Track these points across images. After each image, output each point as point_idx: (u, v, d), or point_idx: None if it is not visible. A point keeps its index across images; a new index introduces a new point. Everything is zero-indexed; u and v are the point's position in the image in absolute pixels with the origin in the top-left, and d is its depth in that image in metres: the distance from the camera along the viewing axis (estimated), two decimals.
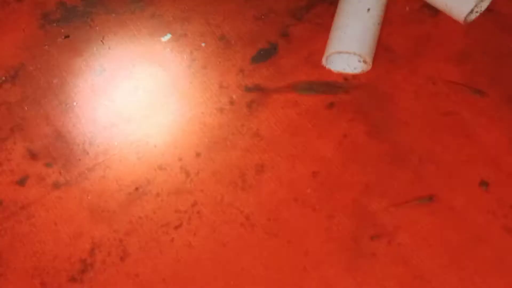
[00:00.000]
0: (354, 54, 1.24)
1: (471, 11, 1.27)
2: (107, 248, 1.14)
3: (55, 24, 1.38)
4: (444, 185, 1.16)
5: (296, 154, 1.22)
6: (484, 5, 1.30)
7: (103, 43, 1.35)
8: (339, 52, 1.25)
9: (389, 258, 1.10)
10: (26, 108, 1.28)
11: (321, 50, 1.29)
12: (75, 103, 1.29)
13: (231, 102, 1.28)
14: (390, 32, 1.30)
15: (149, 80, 1.31)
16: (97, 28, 1.38)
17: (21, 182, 1.20)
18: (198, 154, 1.23)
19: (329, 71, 1.28)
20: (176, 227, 1.16)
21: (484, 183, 1.14)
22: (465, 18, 1.27)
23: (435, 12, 1.31)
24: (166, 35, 1.36)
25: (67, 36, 1.36)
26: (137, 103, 1.29)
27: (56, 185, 1.20)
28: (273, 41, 1.33)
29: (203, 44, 1.35)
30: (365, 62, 1.25)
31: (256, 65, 1.31)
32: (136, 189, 1.20)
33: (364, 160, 1.20)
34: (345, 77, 1.27)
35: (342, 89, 1.27)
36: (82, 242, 1.15)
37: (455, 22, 1.29)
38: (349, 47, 1.24)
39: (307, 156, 1.21)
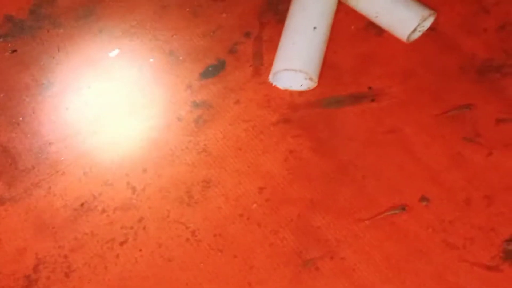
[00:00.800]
0: (300, 71, 1.26)
1: (414, 30, 1.30)
2: (51, 264, 1.14)
3: (1, 39, 1.37)
4: (386, 201, 1.18)
5: (242, 170, 1.23)
6: (427, 25, 1.33)
7: (54, 58, 1.34)
8: (286, 70, 1.26)
9: (332, 272, 1.12)
10: None
11: (268, 67, 1.30)
12: (21, 118, 1.28)
13: (179, 118, 1.28)
14: (336, 50, 1.33)
15: (97, 95, 1.31)
16: (45, 42, 1.37)
17: None
18: (145, 170, 1.23)
19: (276, 87, 1.29)
20: (122, 243, 1.16)
21: (425, 199, 1.17)
22: (408, 37, 1.30)
23: (380, 30, 1.34)
24: (114, 50, 1.36)
25: (14, 51, 1.36)
26: (84, 118, 1.29)
27: (0, 201, 1.19)
28: (221, 57, 1.35)
29: (151, 60, 1.35)
30: (311, 79, 1.27)
31: (205, 81, 1.32)
32: (82, 205, 1.20)
33: (309, 176, 1.22)
34: (292, 94, 1.29)
35: (288, 105, 1.28)
36: (27, 258, 1.15)
37: (399, 40, 1.32)
38: (295, 65, 1.26)
39: (253, 172, 1.23)
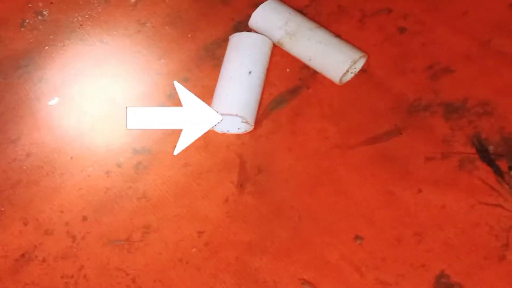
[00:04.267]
0: (237, 115, 1.29)
1: (346, 72, 1.35)
2: None
3: None
4: (321, 241, 1.21)
5: (182, 215, 1.26)
6: (358, 66, 1.39)
7: None
8: (222, 114, 1.30)
9: None
10: None
11: None
12: None
13: (119, 165, 1.31)
14: (272, 93, 1.37)
15: (36, 145, 1.33)
16: None
17: None
18: (85, 218, 1.25)
19: (214, 131, 1.33)
20: None
21: (358, 238, 1.21)
22: (341, 79, 1.35)
23: (314, 73, 1.39)
24: (53, 99, 1.38)
25: None
26: (24, 168, 1.30)
27: None
28: (161, 103, 1.38)
29: (91, 107, 1.37)
30: (247, 123, 1.31)
31: None
32: (23, 255, 1.22)
33: (247, 219, 1.25)
34: (229, 137, 1.32)
35: (226, 149, 1.31)
36: None
37: (332, 82, 1.36)
38: (231, 110, 1.30)
39: (192, 216, 1.26)
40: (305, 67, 1.40)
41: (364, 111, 1.34)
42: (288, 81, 1.39)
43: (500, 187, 1.23)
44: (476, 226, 1.20)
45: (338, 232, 1.23)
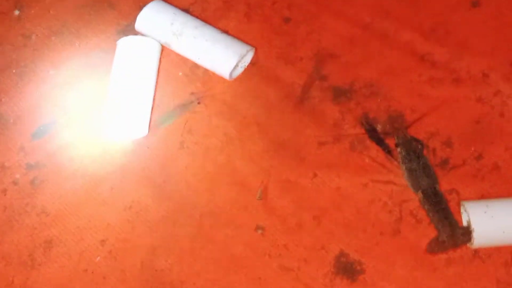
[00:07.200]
0: (131, 121, 1.30)
1: (236, 67, 1.37)
2: None
3: None
4: (224, 235, 1.23)
5: (83, 225, 1.26)
6: (247, 60, 1.41)
7: None
8: (116, 122, 1.30)
9: None
10: None
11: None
12: None
13: (15, 182, 1.30)
14: (164, 95, 1.38)
15: None
16: None
17: None
18: None
19: (110, 139, 1.33)
20: None
21: (260, 228, 1.24)
22: (231, 74, 1.37)
23: (205, 71, 1.40)
24: None
25: None
26: None
27: None
28: (52, 116, 1.36)
29: None
30: (142, 128, 1.31)
31: (37, 141, 1.34)
32: None
33: (150, 222, 1.26)
34: (124, 144, 1.33)
35: (123, 155, 1.32)
36: None
37: (223, 78, 1.38)
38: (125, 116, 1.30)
39: (94, 226, 1.26)
40: (196, 66, 1.41)
41: (257, 104, 1.37)
42: (179, 83, 1.39)
43: (389, 164, 1.27)
44: (370, 204, 1.25)
45: (239, 225, 1.25)
